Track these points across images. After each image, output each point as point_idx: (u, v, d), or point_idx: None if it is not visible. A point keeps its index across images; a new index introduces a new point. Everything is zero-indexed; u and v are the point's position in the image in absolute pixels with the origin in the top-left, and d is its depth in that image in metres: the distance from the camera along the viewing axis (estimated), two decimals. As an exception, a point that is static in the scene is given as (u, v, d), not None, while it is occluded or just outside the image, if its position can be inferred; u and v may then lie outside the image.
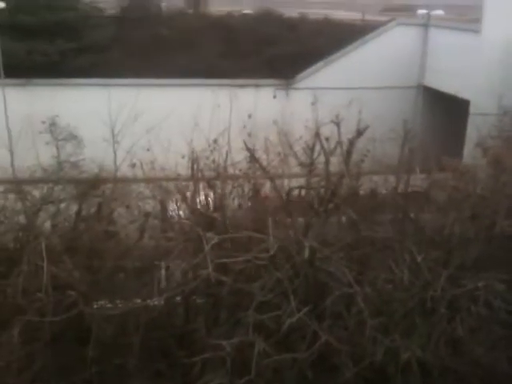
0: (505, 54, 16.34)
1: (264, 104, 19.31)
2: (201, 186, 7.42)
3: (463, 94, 17.69)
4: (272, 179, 6.93)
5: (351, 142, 6.92)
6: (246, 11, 25.91)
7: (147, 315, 6.33)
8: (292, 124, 9.84)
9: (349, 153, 6.93)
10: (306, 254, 6.01)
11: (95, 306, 6.51)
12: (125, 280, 6.79)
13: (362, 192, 7.74)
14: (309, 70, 20.97)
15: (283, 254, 6.20)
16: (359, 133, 7.03)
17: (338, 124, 7.83)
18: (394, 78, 20.49)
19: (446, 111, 20.09)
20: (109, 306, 6.53)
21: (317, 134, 7.48)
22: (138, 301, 6.39)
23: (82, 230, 7.20)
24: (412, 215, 7.09)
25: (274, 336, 5.72)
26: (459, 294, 5.67)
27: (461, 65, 18.02)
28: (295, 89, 20.64)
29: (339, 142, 7.35)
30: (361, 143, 7.67)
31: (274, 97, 20.50)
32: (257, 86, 20.24)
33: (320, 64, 20.99)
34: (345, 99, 9.66)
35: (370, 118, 8.11)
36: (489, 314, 5.85)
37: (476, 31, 17.50)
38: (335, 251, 6.19)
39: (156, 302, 6.31)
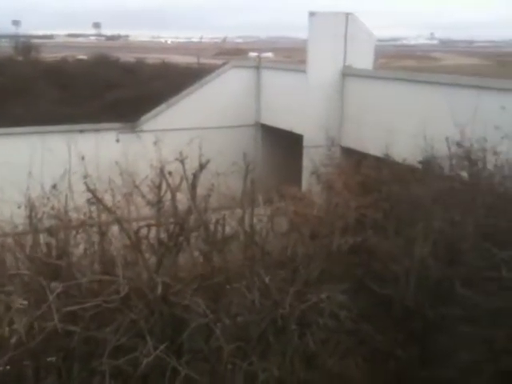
0: (328, 91, 18.04)
1: (107, 148, 18.88)
2: (41, 234, 7.01)
3: (297, 129, 19.07)
4: (118, 220, 6.80)
5: (195, 176, 7.09)
6: (80, 57, 25.36)
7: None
8: (137, 166, 9.80)
9: (194, 186, 7.08)
10: (159, 290, 5.97)
11: None
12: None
13: (211, 225, 7.92)
14: (151, 113, 21.06)
15: (136, 293, 6.07)
16: (201, 167, 7.24)
17: (182, 161, 8.01)
18: (233, 117, 21.44)
19: (284, 146, 21.42)
20: None
21: (161, 172, 7.57)
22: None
23: None
24: (258, 241, 7.41)
25: (132, 379, 5.53)
26: (306, 308, 6.02)
27: (292, 102, 19.46)
28: (139, 132, 20.55)
29: (184, 178, 7.51)
30: (206, 180, 7.92)
31: (117, 141, 20.17)
32: (98, 130, 19.78)
33: (162, 107, 21.21)
34: (187, 139, 9.91)
35: (213, 157, 8.44)
36: (336, 325, 6.28)
37: (303, 71, 19.01)
38: (188, 284, 6.23)
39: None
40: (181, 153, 8.14)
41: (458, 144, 8.64)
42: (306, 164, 16.24)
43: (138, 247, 6.76)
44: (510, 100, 11.19)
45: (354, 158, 13.45)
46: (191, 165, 8.02)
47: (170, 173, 7.03)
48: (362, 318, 6.66)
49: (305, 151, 17.89)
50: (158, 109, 21.09)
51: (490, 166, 9.13)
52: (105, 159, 12.57)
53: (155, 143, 8.87)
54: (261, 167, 20.68)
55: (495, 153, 9.32)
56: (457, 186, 8.58)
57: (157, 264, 6.49)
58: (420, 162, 11.38)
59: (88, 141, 18.72)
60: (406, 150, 11.98)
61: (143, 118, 20.66)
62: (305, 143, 18.21)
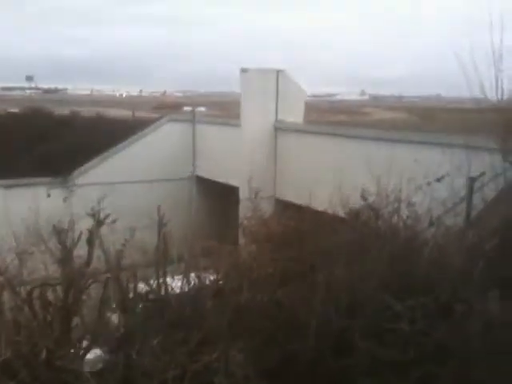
0: (261, 145, 18.37)
1: (37, 204, 18.39)
2: None
3: (232, 182, 19.19)
4: (8, 281, 6.48)
5: (91, 233, 6.91)
6: (12, 110, 24.90)
7: None
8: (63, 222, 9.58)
9: (90, 243, 6.88)
10: (44, 355, 5.65)
11: None
12: None
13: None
14: (86, 166, 20.81)
15: (19, 359, 5.72)
16: (99, 223, 7.07)
17: (94, 216, 7.80)
18: (170, 171, 21.49)
19: (222, 198, 21.46)
20: None
21: (70, 228, 7.36)
22: None
23: None
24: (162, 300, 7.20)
25: None
26: (199, 369, 5.80)
27: (227, 155, 19.70)
28: (71, 186, 20.18)
29: (96, 234, 7.30)
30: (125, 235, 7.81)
31: (48, 196, 19.68)
32: (28, 185, 19.31)
33: (96, 160, 21.02)
34: (122, 193, 9.75)
35: (147, 210, 8.43)
36: (233, 384, 6.05)
37: (237, 125, 19.37)
38: (77, 347, 5.93)
39: None
40: (93, 208, 7.97)
41: (363, 197, 8.86)
42: (242, 217, 16.24)
43: (30, 309, 6.44)
44: (421, 152, 11.65)
45: (289, 209, 13.58)
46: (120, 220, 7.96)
47: (63, 230, 6.80)
48: (266, 375, 6.48)
49: (241, 204, 17.91)
50: (92, 162, 20.90)
51: (403, 217, 9.34)
52: (34, 215, 12.15)
53: (64, 200, 8.70)
54: (197, 220, 20.61)
55: (409, 204, 9.55)
56: (366, 236, 8.68)
57: (46, 327, 6.17)
58: (346, 214, 11.55)
59: (16, 196, 18.25)
60: (327, 200, 12.20)
61: (76, 172, 20.36)
62: (240, 195, 18.26)
